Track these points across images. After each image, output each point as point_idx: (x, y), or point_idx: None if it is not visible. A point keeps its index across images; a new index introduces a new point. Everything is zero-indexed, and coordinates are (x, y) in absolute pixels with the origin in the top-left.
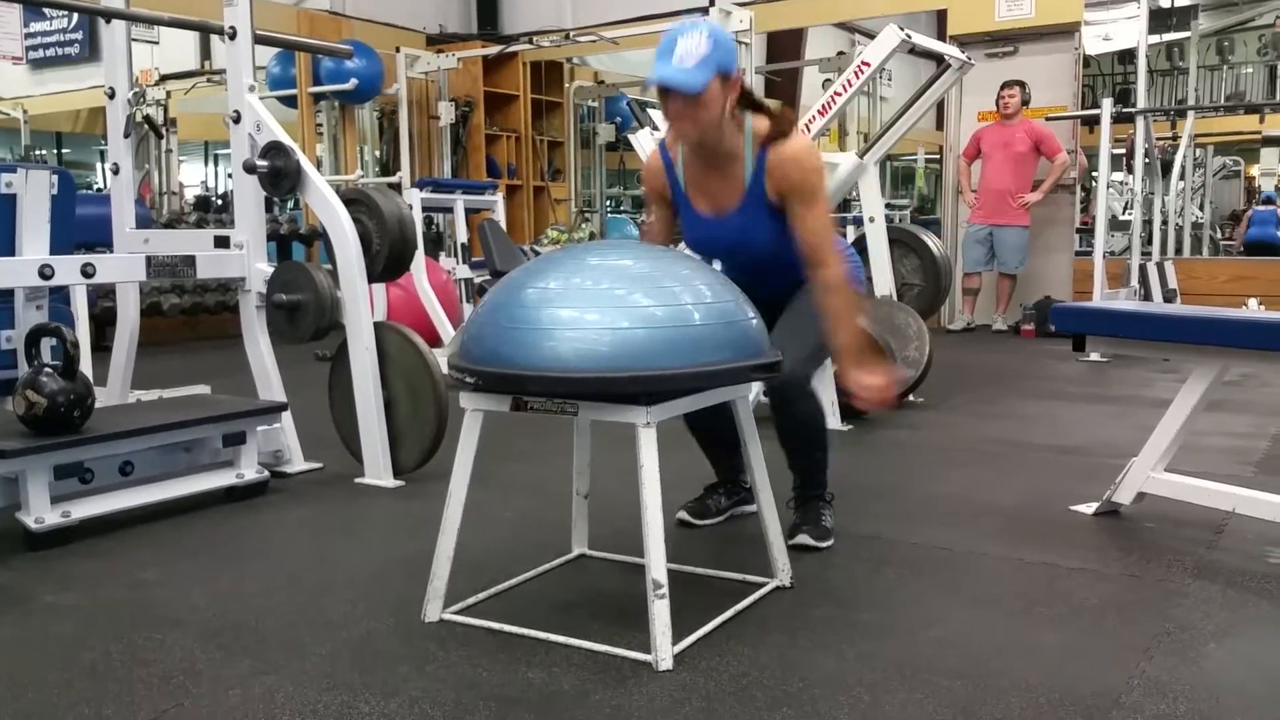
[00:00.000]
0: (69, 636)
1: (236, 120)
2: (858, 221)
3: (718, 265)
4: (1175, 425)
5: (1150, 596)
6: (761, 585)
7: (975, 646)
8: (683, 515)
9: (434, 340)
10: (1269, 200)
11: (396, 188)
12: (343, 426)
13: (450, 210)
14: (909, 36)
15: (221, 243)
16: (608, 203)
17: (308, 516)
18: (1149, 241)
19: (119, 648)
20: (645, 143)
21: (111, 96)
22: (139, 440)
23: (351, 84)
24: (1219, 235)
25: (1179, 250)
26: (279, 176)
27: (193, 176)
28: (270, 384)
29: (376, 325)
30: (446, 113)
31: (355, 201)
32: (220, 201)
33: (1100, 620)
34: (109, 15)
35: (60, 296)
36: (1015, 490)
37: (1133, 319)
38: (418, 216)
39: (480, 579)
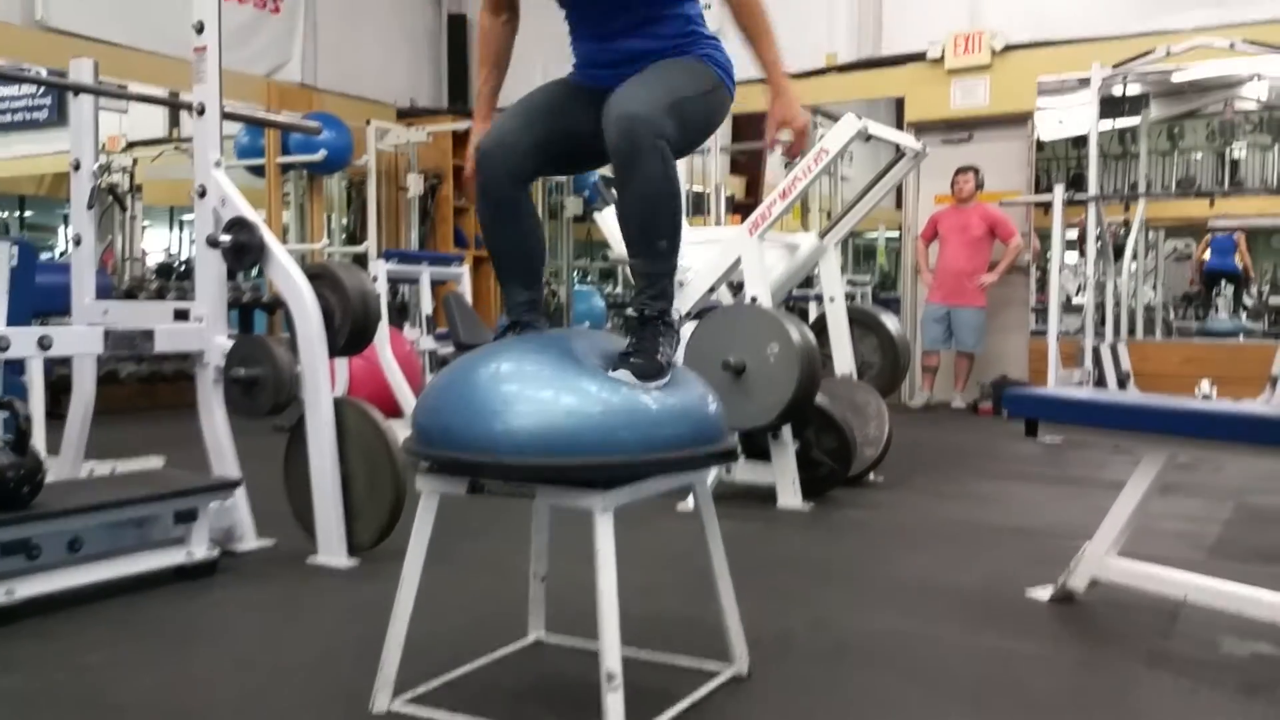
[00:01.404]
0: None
1: (202, 195)
2: (820, 299)
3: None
4: (1127, 511)
5: (1104, 686)
6: (718, 673)
7: None
8: None
9: (395, 412)
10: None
11: (363, 258)
12: (297, 502)
13: (416, 281)
14: (866, 126)
15: (181, 315)
16: (574, 274)
17: (258, 598)
18: (1102, 323)
19: None
20: (610, 223)
21: (76, 168)
22: (88, 517)
23: (320, 155)
24: (1172, 316)
25: (1132, 331)
26: (242, 251)
27: (157, 242)
28: (224, 459)
29: (336, 401)
30: (415, 185)
31: (318, 276)
32: (183, 268)
33: (1054, 710)
34: (77, 90)
35: (15, 366)
36: (973, 574)
37: (1082, 407)
38: (383, 287)
39: (433, 665)
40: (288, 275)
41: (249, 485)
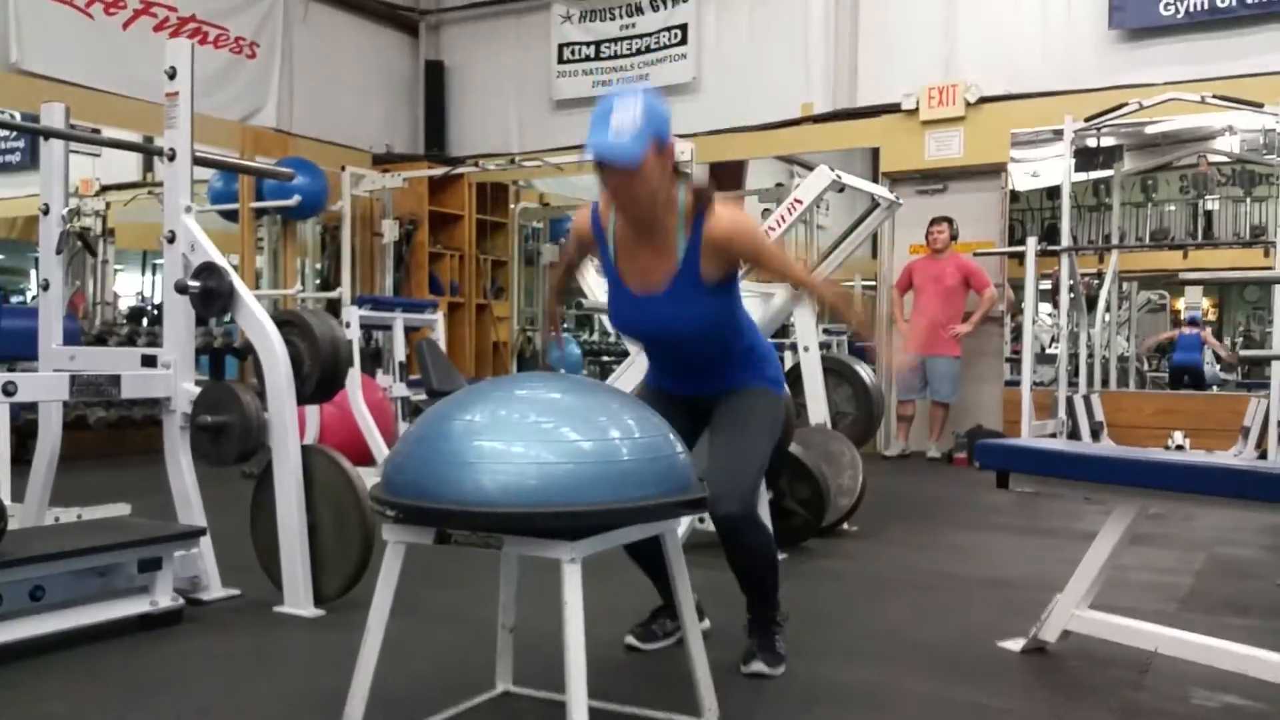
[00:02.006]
0: None
1: (171, 240)
2: (793, 348)
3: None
4: (1098, 562)
5: None
6: None
7: None
8: (630, 640)
9: (368, 460)
10: (1193, 322)
11: (336, 304)
12: (264, 551)
13: (389, 327)
14: (839, 177)
15: (149, 361)
16: None
17: (222, 648)
18: (1075, 374)
19: None
20: (586, 273)
21: (45, 213)
22: (51, 565)
23: (295, 200)
24: (1145, 367)
25: (1105, 382)
26: (211, 297)
27: (129, 286)
28: (191, 507)
29: (304, 449)
30: (390, 230)
31: (288, 323)
32: (155, 312)
33: None
34: (47, 134)
35: None
36: (945, 625)
37: (1052, 457)
38: (356, 334)
39: (399, 717)
40: (257, 322)
41: (215, 533)
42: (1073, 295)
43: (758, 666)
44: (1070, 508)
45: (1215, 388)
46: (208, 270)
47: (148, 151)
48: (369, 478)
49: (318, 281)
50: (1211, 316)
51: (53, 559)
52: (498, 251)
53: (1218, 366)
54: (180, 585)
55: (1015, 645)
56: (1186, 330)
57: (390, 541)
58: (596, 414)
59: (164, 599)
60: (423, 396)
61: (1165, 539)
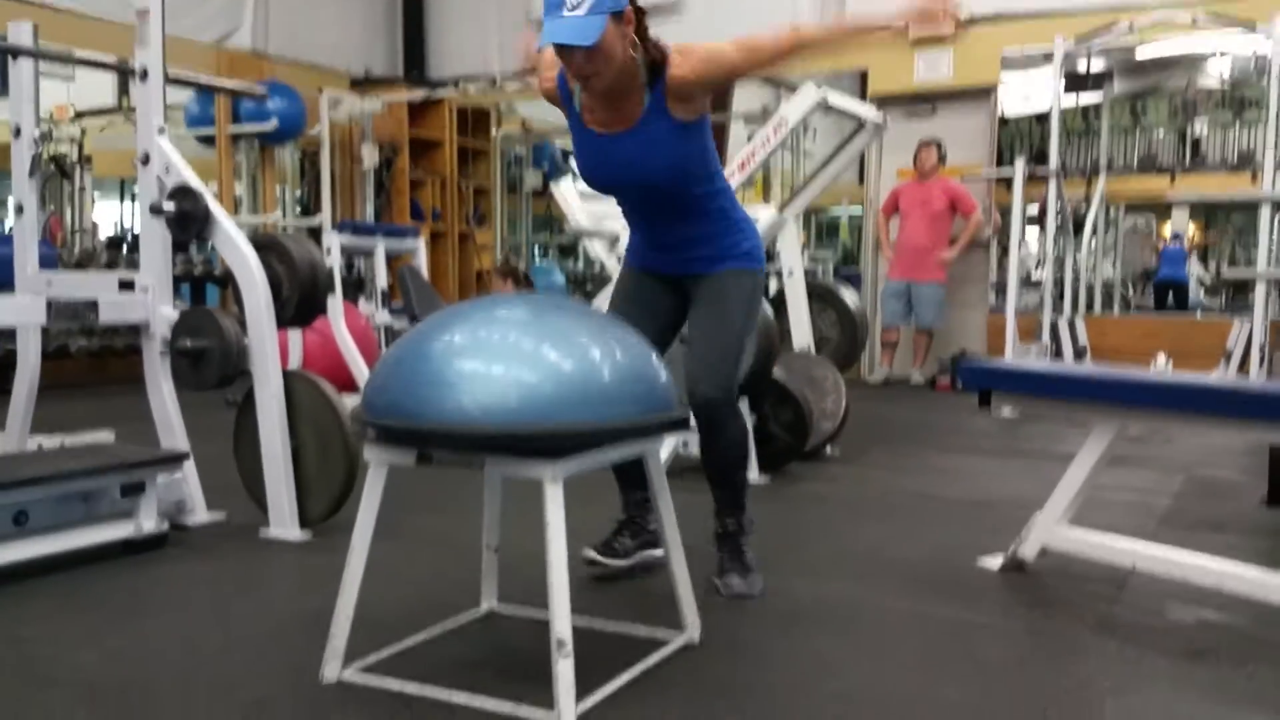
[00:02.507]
0: None
1: (145, 162)
2: (779, 274)
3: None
4: (1078, 481)
5: (1052, 652)
6: (669, 641)
7: (879, 703)
8: (589, 553)
9: (351, 387)
10: (1178, 237)
11: (317, 230)
12: (248, 476)
13: (371, 254)
14: (826, 95)
15: (126, 286)
16: (534, 248)
17: (208, 571)
18: (1061, 298)
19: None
20: (568, 194)
21: (17, 135)
22: (34, 490)
23: (272, 124)
24: (1130, 293)
25: (1090, 307)
26: (186, 220)
27: (108, 214)
28: (173, 432)
29: (285, 374)
30: (370, 156)
31: (266, 247)
32: (134, 240)
33: (1002, 676)
34: (15, 52)
35: None
36: (925, 544)
37: (1035, 378)
38: (337, 260)
39: (384, 635)
40: (234, 245)
41: (199, 459)
42: (1060, 219)
43: (737, 586)
44: (1052, 431)
45: (1199, 312)
46: (183, 192)
47: (119, 70)
48: (354, 404)
49: (298, 209)
50: (1197, 242)
51: (36, 483)
52: (480, 178)
53: (1202, 292)
54: (165, 510)
55: (994, 563)
56: (1171, 244)
57: (372, 463)
58: (578, 334)
59: (148, 523)
60: (405, 324)
61: (1144, 460)
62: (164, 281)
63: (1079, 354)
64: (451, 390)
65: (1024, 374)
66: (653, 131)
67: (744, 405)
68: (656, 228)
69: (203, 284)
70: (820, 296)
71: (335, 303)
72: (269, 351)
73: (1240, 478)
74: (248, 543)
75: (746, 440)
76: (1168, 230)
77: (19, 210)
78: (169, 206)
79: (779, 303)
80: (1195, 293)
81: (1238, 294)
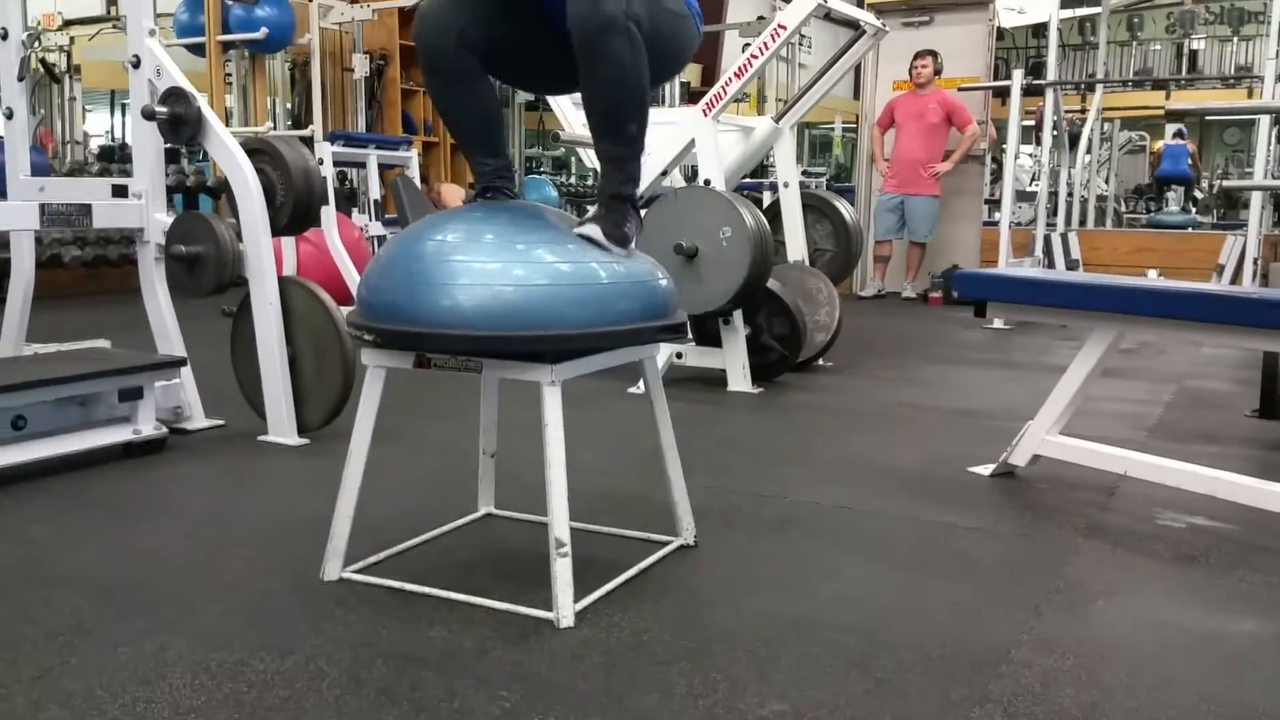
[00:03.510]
0: None
1: (136, 65)
2: (773, 187)
3: None
4: (1071, 390)
5: (1042, 555)
6: (666, 544)
7: (871, 603)
8: None
9: (345, 298)
10: (1180, 134)
11: (308, 141)
12: (246, 383)
13: (363, 165)
14: (825, 1)
15: (119, 192)
16: (526, 163)
17: (207, 474)
18: (1054, 213)
19: (2, 606)
20: (564, 105)
21: (4, 38)
22: (31, 394)
23: (262, 33)
24: (1124, 209)
25: (1083, 222)
26: (179, 123)
27: (98, 126)
28: (169, 338)
29: (281, 280)
30: (361, 65)
31: (259, 152)
32: (126, 151)
33: (993, 578)
34: None
35: None
36: (916, 453)
37: (1031, 286)
38: (329, 171)
39: (383, 538)
40: (227, 150)
41: (197, 367)
42: (1056, 133)
43: (589, 229)
44: (1042, 342)
45: (1194, 208)
46: (175, 95)
47: None
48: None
49: (288, 121)
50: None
51: (33, 387)
52: None
53: (1194, 208)
54: (163, 416)
55: (985, 470)
56: (1173, 141)
57: (369, 367)
58: (573, 238)
59: (147, 427)
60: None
61: (1136, 372)
62: (158, 187)
63: (1071, 267)
64: (448, 293)
65: (1021, 281)
66: None
67: (737, 317)
68: None
69: (195, 194)
70: (815, 208)
71: (328, 214)
72: (264, 258)
73: (1232, 388)
74: (246, 448)
75: (642, 71)
76: (1160, 144)
77: (9, 115)
78: (161, 110)
79: (774, 214)
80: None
81: (1229, 213)
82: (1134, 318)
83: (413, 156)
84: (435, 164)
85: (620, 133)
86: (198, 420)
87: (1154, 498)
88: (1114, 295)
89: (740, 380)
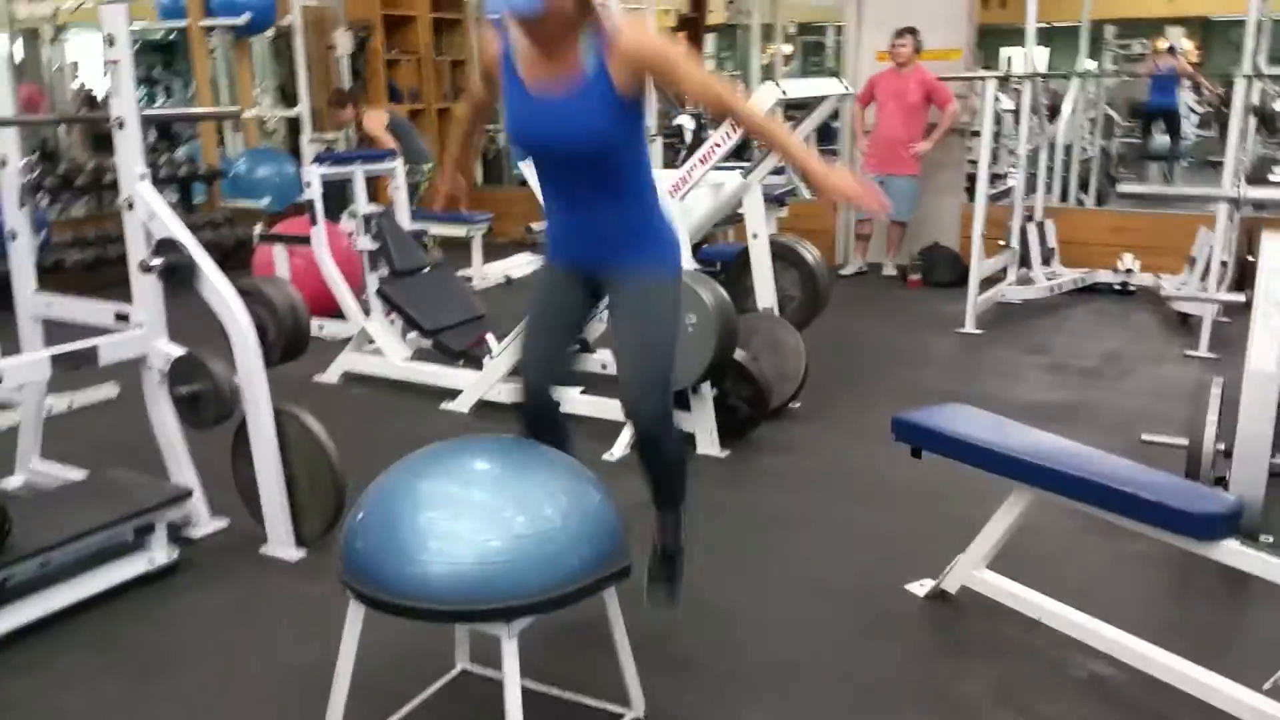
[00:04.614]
0: None
1: (130, 208)
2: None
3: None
4: (996, 535)
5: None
6: (618, 717)
7: None
8: None
9: (333, 309)
10: (1171, 51)
11: (296, 122)
12: (246, 495)
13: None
14: (785, 92)
15: (121, 317)
16: None
17: (214, 608)
18: (1033, 190)
19: None
20: (531, 174)
21: (3, 165)
22: (56, 552)
23: (245, 18)
24: (1113, 165)
25: (1065, 196)
26: (174, 272)
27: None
28: (178, 460)
29: (277, 412)
30: (344, 43)
31: (249, 294)
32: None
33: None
34: None
35: None
36: (863, 555)
37: (959, 443)
38: (317, 192)
39: (369, 707)
40: (221, 298)
41: (201, 459)
42: (1034, 119)
43: (661, 589)
44: (1013, 358)
45: (1185, 162)
46: (168, 245)
47: None
48: (340, 330)
49: (277, 95)
50: (1195, 59)
51: (58, 546)
52: (455, 51)
53: (1194, 117)
54: (176, 520)
55: (921, 589)
56: (1161, 63)
57: (350, 612)
58: (534, 502)
59: (160, 556)
60: (384, 273)
61: (1091, 410)
62: (158, 318)
63: (1046, 256)
64: (416, 566)
65: (950, 438)
66: (591, 96)
67: (705, 385)
68: (577, 205)
69: (189, 184)
70: (783, 257)
71: (318, 232)
72: (260, 392)
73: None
74: (248, 565)
75: (682, 457)
76: (1162, 44)
77: (13, 237)
78: (155, 262)
79: (744, 263)
80: (1187, 122)
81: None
82: (1047, 493)
83: (398, 165)
84: (423, 130)
85: (672, 497)
86: (204, 525)
87: (1068, 638)
88: (1028, 469)
89: (708, 444)
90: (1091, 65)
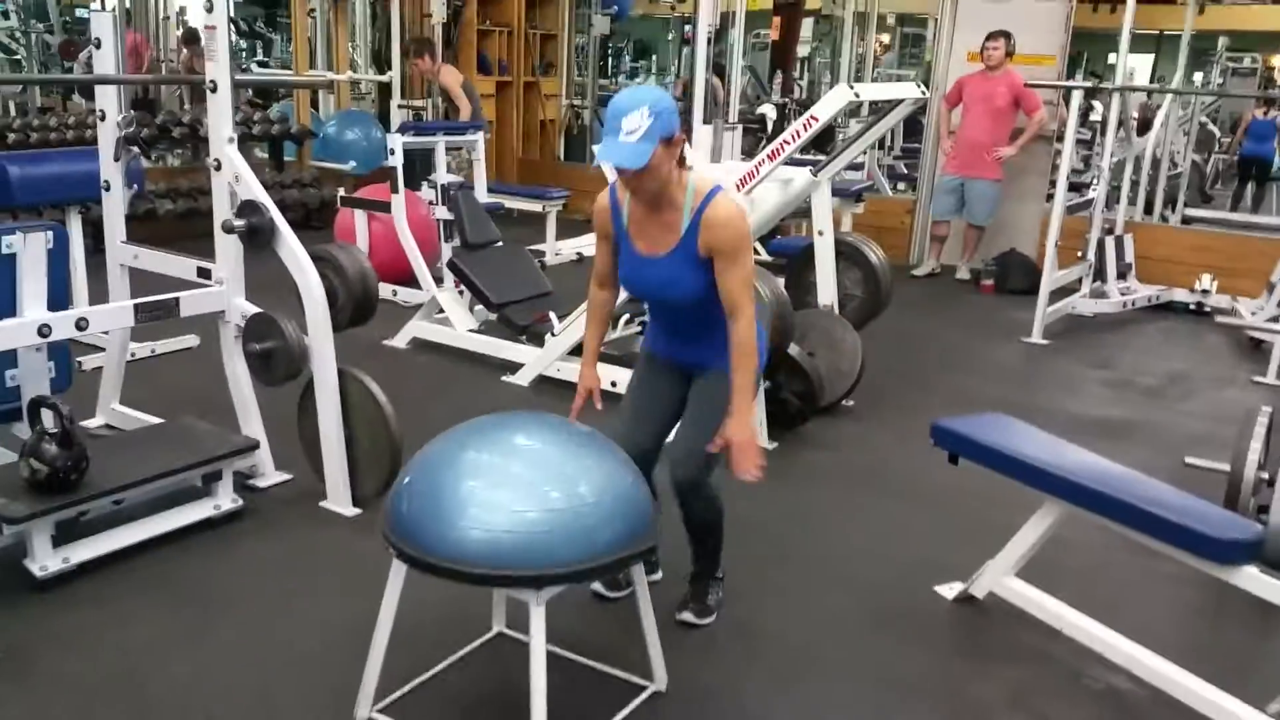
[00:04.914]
0: (69, 713)
1: (217, 168)
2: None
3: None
4: (1027, 543)
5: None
6: (641, 689)
7: None
8: (597, 588)
9: (409, 276)
10: (1270, 103)
11: (388, 87)
12: (310, 453)
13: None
14: (858, 95)
15: (203, 272)
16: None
17: (273, 557)
18: (1117, 201)
19: None
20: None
21: (103, 119)
22: (129, 491)
23: None
24: (1209, 182)
25: (1149, 210)
26: (254, 233)
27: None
28: (249, 414)
29: (340, 374)
30: (438, 10)
31: (322, 259)
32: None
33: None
34: None
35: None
36: (898, 557)
37: (994, 453)
38: (399, 160)
39: (408, 663)
40: (296, 260)
41: (269, 413)
42: (1122, 134)
43: (687, 616)
44: (1073, 371)
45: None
46: (250, 207)
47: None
48: (413, 296)
49: (371, 64)
50: None
51: (130, 487)
52: (547, 24)
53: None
54: (242, 469)
55: (950, 591)
56: (1260, 115)
57: (393, 569)
58: (569, 477)
59: (225, 502)
60: (456, 244)
61: (1144, 430)
62: (237, 275)
63: (1122, 271)
64: (458, 532)
65: (986, 448)
66: (682, 263)
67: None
68: (676, 326)
69: (279, 142)
70: (846, 255)
71: (398, 199)
72: (327, 355)
73: None
74: (307, 517)
75: (718, 517)
76: (1277, 61)
77: (106, 188)
78: (239, 223)
79: (808, 259)
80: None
81: None
82: (1076, 508)
83: (479, 140)
84: (508, 104)
85: (704, 544)
86: (269, 476)
87: (1088, 649)
88: (1057, 483)
89: (758, 435)
90: (1197, 78)
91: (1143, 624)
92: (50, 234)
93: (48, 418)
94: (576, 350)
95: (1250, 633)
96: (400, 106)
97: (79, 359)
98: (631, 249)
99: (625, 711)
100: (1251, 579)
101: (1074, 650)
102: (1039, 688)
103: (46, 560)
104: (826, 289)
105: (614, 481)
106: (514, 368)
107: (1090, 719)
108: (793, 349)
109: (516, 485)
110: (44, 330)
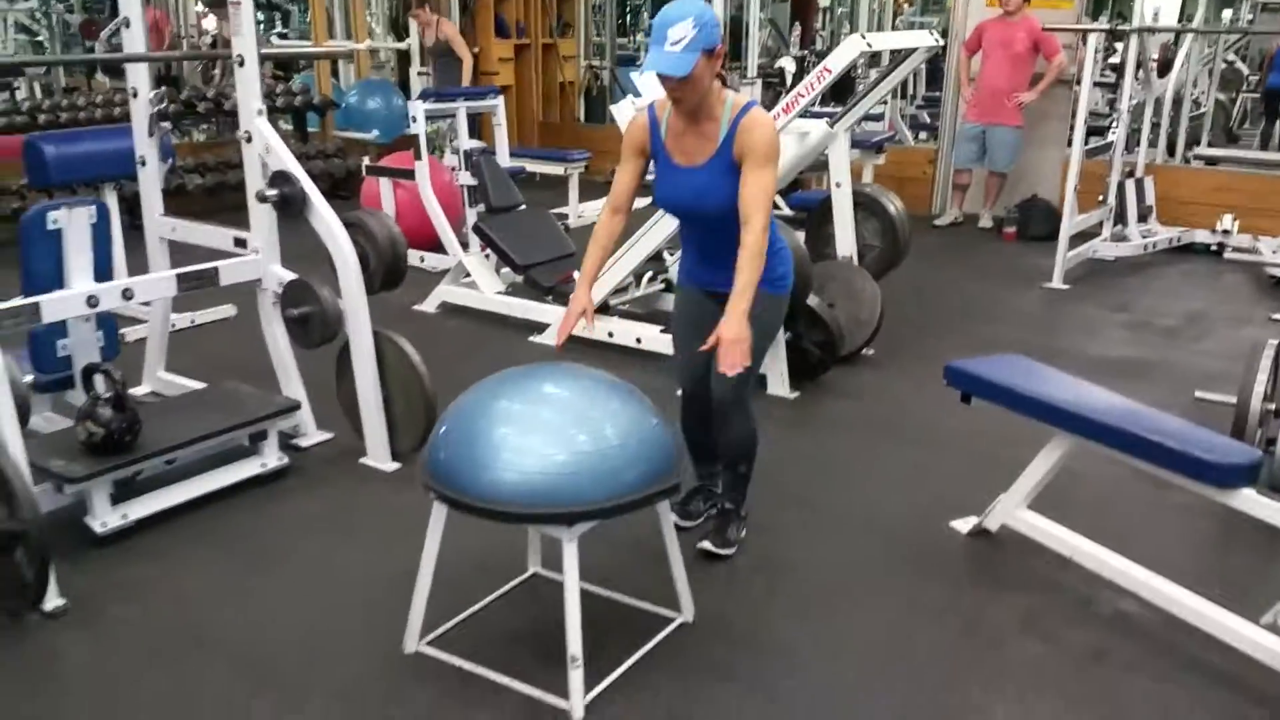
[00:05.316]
0: (132, 657)
1: (248, 140)
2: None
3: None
4: (1037, 476)
5: (979, 644)
6: (669, 620)
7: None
8: (675, 519)
9: (435, 242)
10: None
11: (406, 54)
12: (349, 413)
13: (454, 117)
14: (870, 45)
15: (240, 242)
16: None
17: (318, 512)
18: (1137, 144)
19: (169, 679)
20: (625, 111)
21: (134, 96)
22: (181, 451)
23: None
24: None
25: (1171, 151)
26: (287, 202)
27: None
28: (289, 375)
29: (376, 336)
30: None
31: (353, 225)
32: None
33: (931, 668)
34: None
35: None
36: (915, 496)
37: (1004, 391)
38: (421, 127)
39: (452, 599)
40: (327, 226)
41: (310, 374)
42: (1141, 76)
43: (707, 544)
44: (1094, 315)
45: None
46: (282, 177)
47: None
48: (440, 262)
49: (388, 25)
50: None
51: (181, 447)
52: None
53: None
54: (285, 429)
55: (965, 526)
56: None
57: (434, 512)
58: (596, 421)
59: (271, 460)
60: (481, 209)
61: (1158, 369)
62: (272, 244)
63: (1143, 214)
64: (492, 474)
65: (997, 386)
66: (719, 172)
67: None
68: (705, 249)
69: (303, 113)
70: (864, 206)
71: (422, 166)
72: (361, 318)
73: None
74: (348, 473)
75: (753, 440)
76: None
77: (142, 163)
78: (271, 193)
79: (826, 210)
80: None
81: None
82: (1086, 440)
83: (499, 104)
84: (526, 67)
85: (737, 471)
86: (311, 435)
87: (1098, 575)
88: (1064, 417)
89: (779, 385)
90: (1226, 15)
91: (1152, 552)
92: (93, 209)
93: (100, 383)
94: (601, 309)
95: (1256, 556)
96: (420, 74)
97: (122, 330)
98: (669, 161)
99: (655, 640)
100: (1250, 501)
101: (1084, 578)
102: (1051, 612)
103: (106, 517)
104: (845, 240)
105: (638, 425)
106: (540, 328)
107: (1099, 639)
108: (812, 299)
109: (546, 430)
110: (92, 301)
